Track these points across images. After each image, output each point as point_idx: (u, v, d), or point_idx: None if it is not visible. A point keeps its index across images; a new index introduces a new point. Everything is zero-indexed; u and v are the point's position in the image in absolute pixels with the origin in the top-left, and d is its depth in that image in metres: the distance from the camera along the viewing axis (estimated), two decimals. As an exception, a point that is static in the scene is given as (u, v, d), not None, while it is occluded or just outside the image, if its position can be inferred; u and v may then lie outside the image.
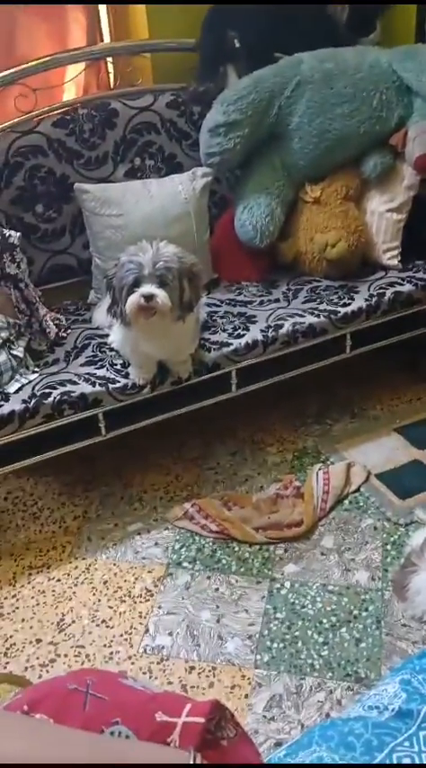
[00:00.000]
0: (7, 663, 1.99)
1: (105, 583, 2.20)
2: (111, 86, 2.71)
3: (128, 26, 2.74)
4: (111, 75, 2.74)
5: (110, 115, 2.58)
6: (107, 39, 2.78)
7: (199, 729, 0.87)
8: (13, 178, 2.47)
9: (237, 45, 2.60)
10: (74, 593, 2.18)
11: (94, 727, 0.87)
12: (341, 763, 1.00)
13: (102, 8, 2.72)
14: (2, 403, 2.11)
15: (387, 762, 0.96)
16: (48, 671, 1.97)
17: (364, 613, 2.06)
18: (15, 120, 2.49)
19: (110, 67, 2.73)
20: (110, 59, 2.71)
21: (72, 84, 2.68)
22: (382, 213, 2.64)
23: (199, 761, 0.80)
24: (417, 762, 0.99)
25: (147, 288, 1.97)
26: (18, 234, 2.24)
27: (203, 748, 0.86)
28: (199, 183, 2.54)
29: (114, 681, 0.97)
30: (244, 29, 2.59)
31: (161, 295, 1.97)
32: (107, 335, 2.33)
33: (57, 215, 2.56)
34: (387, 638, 1.99)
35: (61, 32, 2.69)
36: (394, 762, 0.99)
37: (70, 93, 2.70)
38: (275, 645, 1.99)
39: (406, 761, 0.99)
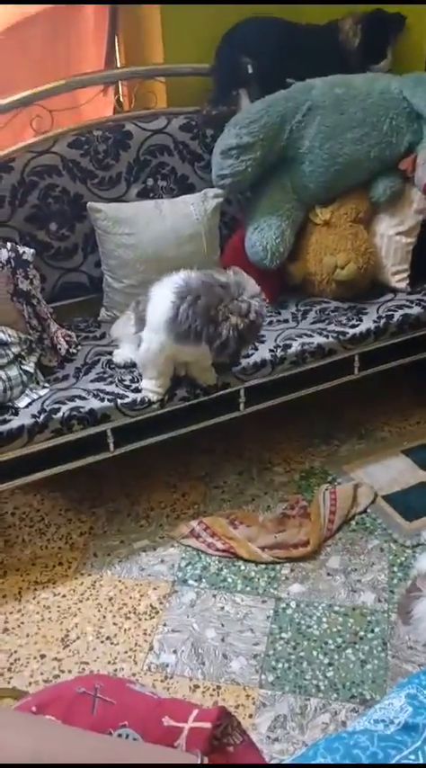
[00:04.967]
0: (11, 678, 1.98)
1: (110, 599, 2.20)
2: (126, 109, 2.75)
3: (144, 50, 2.79)
4: (126, 98, 2.79)
5: (124, 137, 2.63)
6: (119, 62, 2.83)
7: (206, 735, 0.87)
8: (28, 197, 2.51)
9: (250, 70, 2.65)
10: (79, 609, 2.17)
11: (102, 729, 0.87)
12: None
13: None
14: (11, 417, 2.12)
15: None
16: (51, 686, 1.96)
17: (370, 635, 2.05)
18: (32, 141, 2.53)
19: (126, 90, 2.78)
20: (125, 82, 2.76)
21: (88, 107, 2.72)
22: (391, 236, 2.67)
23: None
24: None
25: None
26: (32, 251, 2.27)
27: (210, 753, 0.86)
28: (211, 204, 2.58)
29: (122, 686, 0.97)
30: (257, 55, 2.64)
31: None
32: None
33: (70, 233, 2.60)
34: (393, 661, 1.98)
35: (79, 55, 2.75)
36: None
37: (86, 115, 2.74)
38: (280, 665, 1.98)
39: (412, 775, 0.98)
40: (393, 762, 0.95)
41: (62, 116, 2.59)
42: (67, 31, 2.72)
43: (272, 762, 1.74)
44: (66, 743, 0.77)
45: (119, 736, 0.86)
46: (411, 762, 0.96)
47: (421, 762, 0.95)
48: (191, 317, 2.03)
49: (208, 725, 0.88)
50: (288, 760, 1.72)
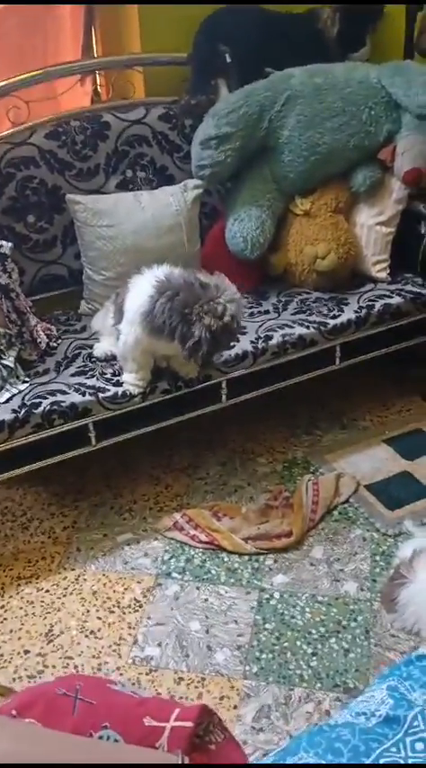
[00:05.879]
0: (-5, 674, 1.98)
1: (94, 593, 2.19)
2: (104, 99, 2.72)
3: (121, 40, 2.76)
4: (104, 89, 2.76)
5: (102, 127, 2.60)
6: (96, 52, 2.80)
7: (188, 733, 0.87)
8: (5, 188, 2.48)
9: (228, 59, 2.63)
10: (62, 603, 2.17)
11: (83, 731, 0.87)
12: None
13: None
14: (-8, 412, 2.11)
15: None
16: (35, 682, 1.96)
17: (353, 624, 2.06)
18: (8, 132, 2.50)
19: (103, 80, 2.75)
20: (102, 72, 2.73)
21: (65, 97, 2.69)
22: (371, 226, 2.67)
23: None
24: (404, 768, 0.99)
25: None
26: (9, 244, 2.25)
27: (191, 752, 0.86)
28: (190, 195, 2.56)
29: (103, 686, 0.97)
30: (236, 43, 2.62)
31: None
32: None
33: (49, 225, 2.58)
34: (376, 649, 1.99)
35: (55, 45, 2.71)
36: (382, 768, 0.99)
37: (63, 106, 2.71)
38: (264, 655, 1.99)
39: (394, 767, 0.99)
40: (374, 755, 0.96)
41: (39, 107, 2.56)
42: (44, 21, 2.68)
43: (257, 752, 1.75)
44: (46, 747, 0.77)
45: (101, 737, 0.86)
46: (392, 754, 0.97)
47: (402, 754, 0.97)
48: (167, 313, 2.02)
49: (189, 724, 0.88)
50: (272, 751, 1.73)
